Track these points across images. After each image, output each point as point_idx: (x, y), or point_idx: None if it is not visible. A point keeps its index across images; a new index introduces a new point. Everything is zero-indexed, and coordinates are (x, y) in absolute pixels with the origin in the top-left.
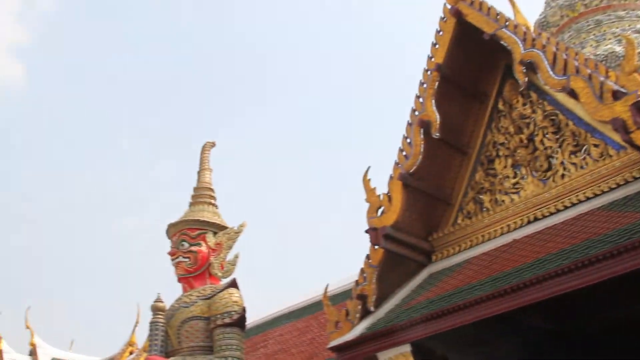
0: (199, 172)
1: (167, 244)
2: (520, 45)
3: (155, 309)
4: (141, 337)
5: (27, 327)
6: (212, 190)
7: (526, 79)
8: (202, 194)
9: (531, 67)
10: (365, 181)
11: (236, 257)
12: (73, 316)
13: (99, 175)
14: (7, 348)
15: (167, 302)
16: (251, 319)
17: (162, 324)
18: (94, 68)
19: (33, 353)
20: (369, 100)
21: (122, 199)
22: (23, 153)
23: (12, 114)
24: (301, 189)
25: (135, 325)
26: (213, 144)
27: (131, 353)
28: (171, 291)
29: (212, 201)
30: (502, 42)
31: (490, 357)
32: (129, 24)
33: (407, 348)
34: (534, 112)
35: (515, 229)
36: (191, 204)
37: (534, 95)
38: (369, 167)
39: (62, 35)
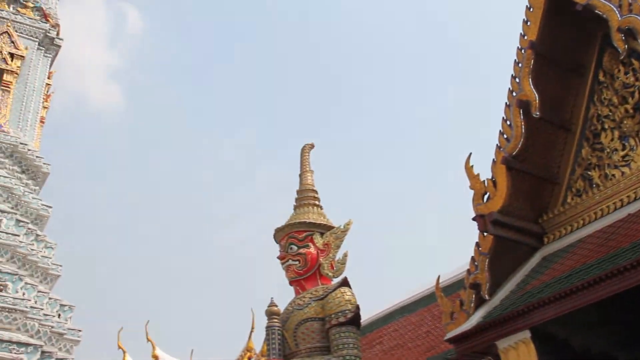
0: (300, 175)
1: (274, 249)
2: (617, 12)
3: (270, 314)
4: (258, 342)
5: (148, 340)
6: (315, 191)
7: (626, 46)
8: (305, 196)
9: (630, 34)
10: (468, 168)
11: (345, 255)
12: (191, 326)
13: (202, 188)
14: None
15: (280, 306)
16: (365, 316)
17: (278, 328)
18: (187, 82)
19: None
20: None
21: (226, 209)
22: (128, 174)
23: (115, 135)
24: (401, 183)
25: (251, 331)
26: (312, 146)
27: (249, 358)
28: (283, 295)
29: (317, 202)
30: (596, 11)
31: (618, 337)
32: (217, 38)
33: (526, 334)
34: (637, 79)
35: (629, 202)
36: (296, 207)
37: (636, 63)
38: (470, 154)
39: (152, 54)
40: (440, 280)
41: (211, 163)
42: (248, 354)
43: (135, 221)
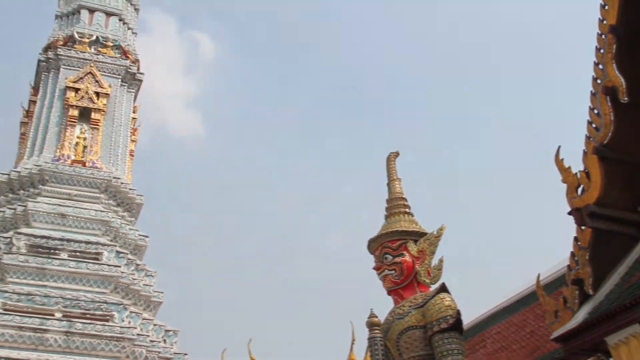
0: (388, 184)
1: (364, 260)
2: None
3: (371, 325)
4: (359, 354)
5: (252, 359)
6: (404, 199)
7: None
8: (396, 205)
9: None
10: (558, 161)
11: (441, 261)
12: (292, 341)
13: (290, 204)
14: None
15: (379, 316)
16: (466, 320)
17: (380, 339)
18: (263, 102)
19: None
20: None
21: (316, 224)
22: (216, 196)
23: (199, 160)
24: (488, 184)
25: (352, 342)
26: (397, 154)
27: None
28: (378, 304)
29: (407, 210)
30: None
31: None
32: (287, 55)
33: (637, 328)
34: None
35: None
36: (387, 216)
37: None
38: (559, 147)
39: (226, 78)
40: (541, 278)
41: (297, 179)
42: None
43: (228, 242)
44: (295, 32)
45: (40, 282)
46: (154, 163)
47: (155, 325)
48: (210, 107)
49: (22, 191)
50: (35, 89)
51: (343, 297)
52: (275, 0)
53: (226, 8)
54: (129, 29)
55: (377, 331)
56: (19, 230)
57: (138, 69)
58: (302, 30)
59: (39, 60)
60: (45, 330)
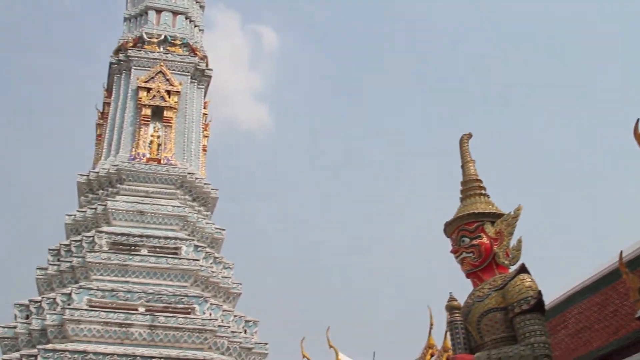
0: (462, 166)
1: (433, 245)
2: None
3: (451, 308)
4: (438, 338)
5: (331, 347)
6: (479, 180)
7: None
8: (470, 187)
9: None
10: (637, 135)
11: (519, 242)
12: (370, 328)
13: (360, 191)
14: None
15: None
16: (547, 301)
17: (460, 322)
18: (329, 90)
19: None
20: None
21: (387, 209)
22: (287, 186)
23: (269, 153)
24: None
25: (431, 327)
26: (470, 136)
27: (432, 355)
28: (455, 288)
29: (482, 191)
30: None
31: None
32: (351, 42)
33: None
34: None
35: None
36: (462, 199)
37: None
38: (638, 120)
39: (291, 70)
40: (624, 255)
41: (363, 165)
42: (430, 351)
43: (301, 231)
44: (359, 17)
45: (122, 278)
46: (226, 157)
47: (235, 316)
48: (278, 99)
49: (101, 191)
50: (109, 91)
51: (414, 285)
52: None
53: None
54: (195, 26)
55: (457, 315)
56: (100, 229)
57: (207, 65)
58: (366, 16)
59: (111, 63)
60: (130, 325)
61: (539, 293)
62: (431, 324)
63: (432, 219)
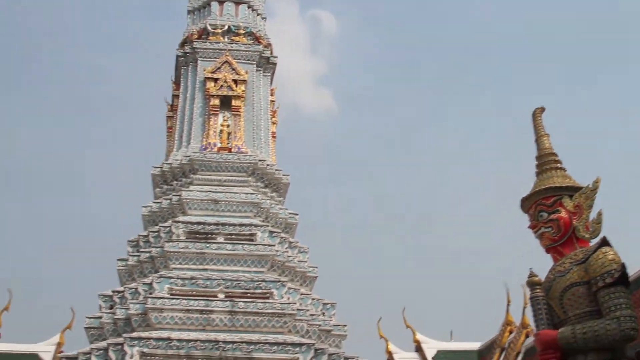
0: (536, 140)
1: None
2: None
3: (532, 284)
4: (516, 315)
5: (407, 326)
6: (555, 154)
7: None
8: (547, 161)
9: None
10: None
11: (599, 214)
12: (446, 306)
13: (423, 172)
14: (394, 349)
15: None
16: (629, 273)
17: (542, 298)
18: (388, 70)
19: (419, 349)
20: None
21: (454, 188)
22: (352, 171)
23: (334, 136)
24: None
25: (508, 305)
26: (542, 109)
27: (510, 332)
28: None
29: (559, 165)
30: None
31: None
32: (408, 22)
33: None
34: None
35: None
36: (538, 174)
37: None
38: None
39: (352, 53)
40: None
41: (430, 145)
42: (508, 327)
43: (371, 210)
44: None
45: (201, 266)
46: (291, 143)
47: (313, 299)
48: (340, 82)
49: (175, 182)
50: (177, 84)
51: (484, 264)
52: None
53: None
54: (258, 14)
55: (538, 290)
56: (176, 219)
57: (271, 53)
58: None
59: (177, 56)
60: (211, 311)
61: (623, 266)
62: (508, 301)
63: (505, 195)
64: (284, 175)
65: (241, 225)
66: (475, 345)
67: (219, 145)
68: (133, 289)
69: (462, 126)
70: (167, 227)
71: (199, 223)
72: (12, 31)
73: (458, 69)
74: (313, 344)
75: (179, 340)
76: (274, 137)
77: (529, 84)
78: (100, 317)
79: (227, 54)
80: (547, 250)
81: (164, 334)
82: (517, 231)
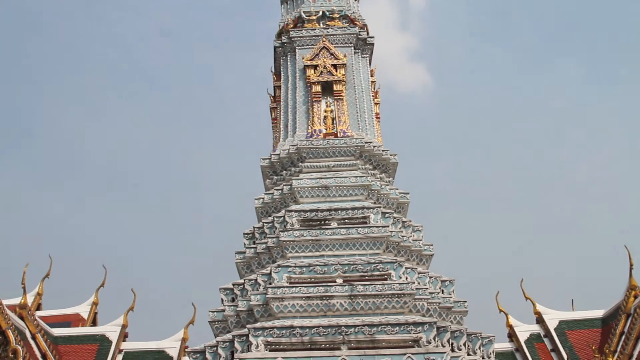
0: None
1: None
2: None
3: None
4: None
5: (527, 298)
6: None
7: None
8: None
9: None
10: None
11: None
12: (564, 275)
13: (533, 138)
14: (515, 322)
15: None
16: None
17: None
18: (483, 39)
19: (540, 321)
20: None
21: (562, 154)
22: (455, 146)
23: (431, 112)
24: None
25: (631, 268)
26: None
27: (635, 297)
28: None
29: None
30: None
31: None
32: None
33: None
34: None
35: None
36: None
37: None
38: None
39: (442, 25)
40: None
41: (536, 111)
42: (633, 292)
43: (475, 184)
44: None
45: (317, 253)
46: (392, 121)
47: (431, 277)
48: (433, 56)
49: (284, 172)
50: (277, 75)
51: (604, 227)
52: None
53: None
54: None
55: None
56: (289, 208)
57: (367, 34)
58: None
59: (275, 47)
60: (331, 297)
61: None
62: (631, 265)
63: (618, 156)
64: (391, 155)
65: (353, 208)
66: (598, 313)
67: (324, 131)
68: (253, 281)
69: (572, 86)
70: (280, 217)
71: (311, 210)
72: (122, 45)
73: (559, 28)
74: (435, 322)
75: (302, 327)
76: (377, 117)
77: None
78: (223, 311)
79: (324, 39)
80: None
81: (287, 323)
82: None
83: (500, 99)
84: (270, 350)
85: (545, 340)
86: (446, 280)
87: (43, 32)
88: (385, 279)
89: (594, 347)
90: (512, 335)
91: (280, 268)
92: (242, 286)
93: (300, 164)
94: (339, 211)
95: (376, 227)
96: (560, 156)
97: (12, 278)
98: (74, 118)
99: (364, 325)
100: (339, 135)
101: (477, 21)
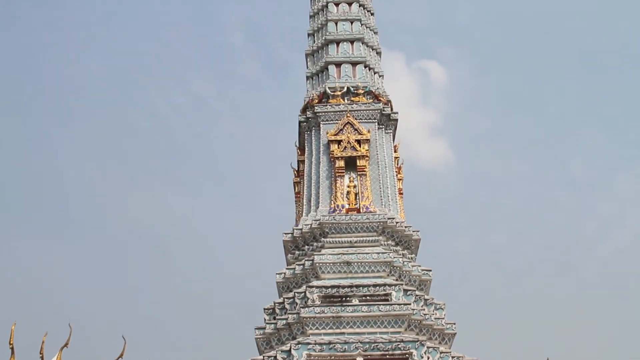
0: None
1: None
2: None
3: None
4: None
5: None
6: None
7: None
8: None
9: None
10: None
11: None
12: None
13: (557, 207)
14: None
15: None
16: None
17: None
18: (509, 112)
19: None
20: None
21: (590, 224)
22: (475, 221)
23: (455, 187)
24: None
25: None
26: None
27: None
28: None
29: None
30: None
31: None
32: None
33: None
34: None
35: None
36: None
37: None
38: None
39: (464, 99)
40: None
41: (559, 179)
42: None
43: (500, 257)
44: (527, 38)
45: (337, 330)
46: (415, 195)
47: (453, 357)
48: (454, 131)
49: (306, 246)
50: (301, 149)
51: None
52: (491, 9)
53: (450, 32)
54: (375, 72)
55: None
56: (310, 284)
57: (391, 110)
58: (531, 36)
59: (300, 122)
60: None
61: None
62: None
63: None
64: (414, 231)
65: (375, 285)
66: None
67: (347, 206)
68: (272, 357)
69: (596, 159)
70: (301, 292)
71: (333, 287)
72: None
73: (579, 104)
74: None
75: None
76: (400, 193)
77: None
78: None
79: (349, 114)
80: None
81: None
82: None
83: (523, 170)
84: None
85: None
86: None
87: (74, 121)
88: (407, 359)
89: None
90: None
91: (299, 345)
92: None
93: (323, 239)
94: (361, 287)
95: (398, 304)
96: (588, 228)
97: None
98: (110, 184)
99: None
100: (361, 210)
101: (498, 94)
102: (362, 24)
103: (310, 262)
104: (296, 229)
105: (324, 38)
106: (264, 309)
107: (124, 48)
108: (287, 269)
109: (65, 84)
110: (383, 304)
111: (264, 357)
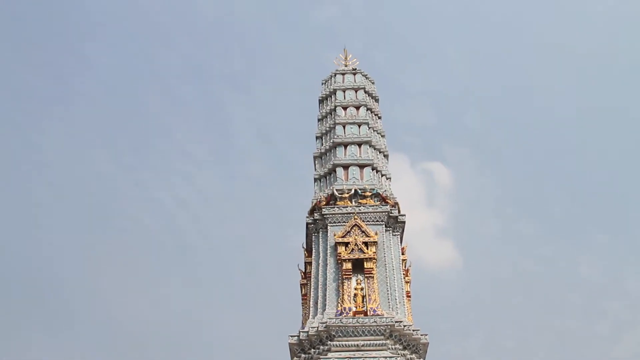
0: None
1: None
2: None
3: None
4: None
5: None
6: None
7: None
8: None
9: None
10: None
11: None
12: None
13: (567, 313)
14: None
15: None
16: None
17: None
18: (514, 213)
19: None
20: None
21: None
22: (488, 324)
23: (463, 290)
24: None
25: None
26: None
27: None
28: None
29: None
30: None
31: None
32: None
33: None
34: None
35: None
36: None
37: None
38: None
39: (469, 200)
40: None
41: (571, 284)
42: None
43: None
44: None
45: None
46: (423, 298)
47: None
48: (460, 232)
49: (312, 350)
50: (308, 251)
51: None
52: (496, 109)
53: (455, 132)
54: (382, 175)
55: None
56: None
57: (399, 212)
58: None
59: (307, 223)
60: None
61: None
62: None
63: None
64: (422, 335)
65: None
66: None
67: (354, 309)
68: None
69: (606, 258)
70: None
71: None
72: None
73: (586, 207)
74: None
75: None
76: (408, 296)
77: None
78: None
79: (356, 217)
80: None
81: None
82: None
83: (531, 272)
84: None
85: None
86: None
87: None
88: None
89: None
90: None
91: None
92: None
93: (329, 342)
94: None
95: None
96: (599, 330)
97: None
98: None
99: None
100: (369, 313)
101: (504, 194)
102: (369, 127)
103: None
104: (302, 332)
105: (331, 141)
106: None
107: (129, 145)
108: None
109: (74, 183)
110: None
111: None
